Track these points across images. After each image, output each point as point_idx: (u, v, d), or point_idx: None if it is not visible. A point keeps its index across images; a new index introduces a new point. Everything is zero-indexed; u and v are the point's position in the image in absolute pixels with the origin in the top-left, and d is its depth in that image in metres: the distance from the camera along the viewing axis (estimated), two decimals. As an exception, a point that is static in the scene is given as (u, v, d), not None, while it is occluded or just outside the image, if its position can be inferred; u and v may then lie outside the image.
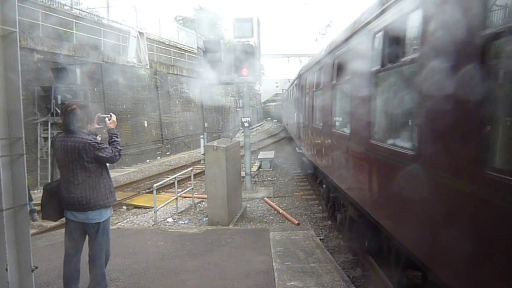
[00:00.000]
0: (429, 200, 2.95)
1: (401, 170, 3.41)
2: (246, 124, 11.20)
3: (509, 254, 2.09)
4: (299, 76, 12.58)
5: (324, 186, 8.57)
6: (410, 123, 3.44)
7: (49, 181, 3.92)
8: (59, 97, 12.65)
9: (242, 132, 14.68)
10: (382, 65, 3.92)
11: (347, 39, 5.59)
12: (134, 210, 9.86)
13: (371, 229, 4.60)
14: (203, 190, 11.28)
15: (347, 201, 5.91)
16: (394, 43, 3.65)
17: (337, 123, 6.48)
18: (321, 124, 7.76)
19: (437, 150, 2.84)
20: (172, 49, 24.76)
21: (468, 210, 2.49)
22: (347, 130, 5.54)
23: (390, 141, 3.86)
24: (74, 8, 18.10)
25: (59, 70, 13.25)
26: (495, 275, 2.25)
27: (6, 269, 2.50)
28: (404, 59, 3.45)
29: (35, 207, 8.36)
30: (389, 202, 3.87)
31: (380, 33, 4.00)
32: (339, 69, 6.12)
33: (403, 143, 3.52)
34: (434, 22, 2.90)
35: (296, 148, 14.42)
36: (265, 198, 10.15)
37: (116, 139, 3.77)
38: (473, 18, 2.36)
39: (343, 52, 5.83)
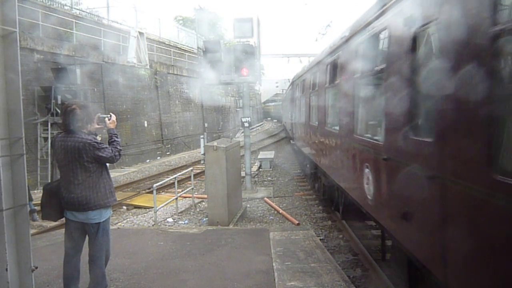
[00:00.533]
0: (357, 158, 5.07)
1: (341, 144, 6.07)
2: (246, 124, 11.20)
3: (460, 218, 2.55)
4: (291, 84, 17.12)
5: (307, 165, 11.37)
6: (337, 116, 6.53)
7: (49, 181, 3.92)
8: (59, 97, 12.65)
9: (242, 132, 14.68)
10: (329, 83, 7.06)
11: (313, 67, 9.46)
12: (134, 210, 9.86)
13: (334, 190, 7.43)
14: (203, 190, 11.27)
15: (321, 173, 8.64)
16: (333, 71, 6.74)
17: (312, 119, 9.45)
18: (303, 121, 11.18)
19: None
20: (172, 49, 24.77)
21: (404, 178, 3.33)
22: (315, 124, 8.73)
23: (333, 126, 6.82)
24: (74, 8, 18.11)
25: (59, 70, 13.25)
26: (430, 233, 2.88)
27: (6, 269, 2.50)
28: (334, 82, 6.62)
29: (35, 207, 8.36)
30: (343, 170, 6.04)
31: (329, 65, 7.08)
32: (310, 84, 9.78)
33: (334, 126, 6.63)
34: (346, 63, 5.64)
35: (291, 141, 17.87)
36: (265, 198, 10.15)
37: (116, 139, 3.77)
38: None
39: (311, 74, 9.60)
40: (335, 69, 6.51)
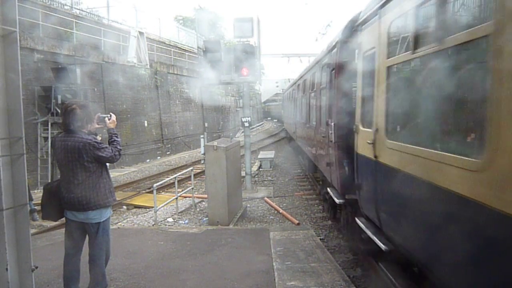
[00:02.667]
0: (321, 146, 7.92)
1: (302, 127, 12.02)
2: (246, 124, 11.20)
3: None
4: (284, 91, 25.89)
5: (289, 136, 18.32)
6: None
7: (49, 181, 3.92)
8: (59, 97, 12.64)
9: (242, 132, 14.67)
10: (299, 94, 12.80)
11: (292, 85, 17.62)
12: (134, 210, 9.86)
13: (313, 165, 10.17)
14: (203, 190, 11.27)
15: (302, 151, 13.08)
16: (296, 90, 14.08)
17: (297, 115, 14.03)
18: (290, 117, 18.63)
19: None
20: (172, 49, 24.77)
21: (339, 155, 5.82)
22: (298, 118, 13.69)
23: (301, 119, 12.67)
24: (74, 8, 18.10)
25: (59, 70, 13.24)
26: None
27: (6, 269, 2.50)
28: (300, 94, 12.79)
29: (35, 207, 8.36)
30: (317, 152, 8.73)
31: (295, 85, 14.42)
32: (291, 95, 17.10)
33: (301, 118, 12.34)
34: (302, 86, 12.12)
35: (283, 126, 26.97)
36: (265, 198, 10.15)
37: (116, 138, 3.77)
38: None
39: (291, 89, 17.55)
40: (299, 87, 13.08)
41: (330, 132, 5.99)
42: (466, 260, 2.27)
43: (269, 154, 17.02)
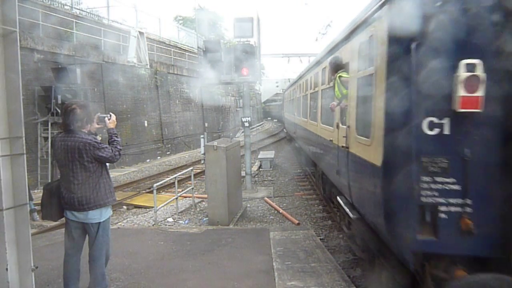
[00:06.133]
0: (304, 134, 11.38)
1: (295, 121, 15.24)
2: (246, 124, 11.19)
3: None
4: (283, 94, 28.08)
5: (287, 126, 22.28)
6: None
7: (49, 181, 3.92)
8: (59, 97, 12.63)
9: (242, 132, 14.67)
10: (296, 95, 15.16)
11: (289, 87, 20.20)
12: (134, 210, 9.86)
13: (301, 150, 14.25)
14: (203, 190, 11.27)
15: (293, 139, 17.63)
16: (295, 90, 15.51)
17: (290, 112, 17.26)
18: (287, 114, 21.01)
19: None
20: (172, 49, 24.76)
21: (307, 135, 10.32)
22: (292, 115, 16.78)
23: (291, 115, 17.33)
24: (74, 8, 18.09)
25: (59, 70, 13.24)
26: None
27: (6, 269, 2.51)
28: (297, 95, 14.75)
29: (35, 207, 8.36)
30: (301, 137, 12.44)
31: (292, 88, 17.17)
32: (290, 95, 18.41)
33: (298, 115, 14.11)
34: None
35: (284, 129, 28.38)
36: (265, 198, 10.15)
37: (116, 138, 3.77)
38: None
39: (290, 90, 18.96)
40: (295, 89, 14.91)
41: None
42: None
43: (269, 154, 17.01)
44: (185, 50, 27.10)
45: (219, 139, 9.32)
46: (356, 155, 4.36)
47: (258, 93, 47.50)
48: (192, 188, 9.86)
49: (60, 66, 13.38)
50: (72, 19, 16.10)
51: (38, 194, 9.53)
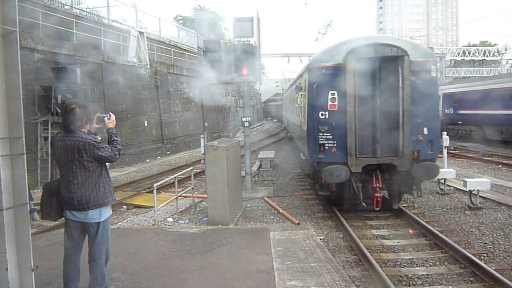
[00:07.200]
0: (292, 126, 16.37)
1: (288, 118, 20.51)
2: (246, 124, 11.19)
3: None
4: (284, 91, 29.38)
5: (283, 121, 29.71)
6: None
7: (49, 180, 3.93)
8: (59, 97, 12.63)
9: (242, 132, 14.68)
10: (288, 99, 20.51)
11: (285, 92, 26.39)
12: (134, 209, 9.86)
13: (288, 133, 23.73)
14: (203, 189, 11.27)
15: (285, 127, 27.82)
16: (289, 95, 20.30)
17: (286, 111, 21.41)
18: (284, 112, 25.63)
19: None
20: (172, 49, 24.77)
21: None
22: (286, 113, 21.71)
23: (286, 113, 22.18)
24: (75, 7, 18.09)
25: (59, 70, 13.24)
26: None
27: (6, 269, 2.51)
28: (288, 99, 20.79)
29: (35, 207, 8.35)
30: (290, 125, 18.28)
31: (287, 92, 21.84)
32: (287, 98, 21.52)
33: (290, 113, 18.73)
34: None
35: (283, 125, 32.44)
36: (265, 198, 10.15)
37: (116, 138, 3.77)
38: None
39: (286, 94, 23.67)
40: (289, 93, 18.67)
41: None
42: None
43: (269, 154, 17.00)
44: (185, 50, 27.10)
45: (219, 139, 9.31)
46: (302, 128, 9.56)
47: (258, 93, 47.56)
48: (192, 188, 9.85)
49: (60, 66, 13.39)
50: (72, 19, 16.10)
51: (38, 194, 9.53)
